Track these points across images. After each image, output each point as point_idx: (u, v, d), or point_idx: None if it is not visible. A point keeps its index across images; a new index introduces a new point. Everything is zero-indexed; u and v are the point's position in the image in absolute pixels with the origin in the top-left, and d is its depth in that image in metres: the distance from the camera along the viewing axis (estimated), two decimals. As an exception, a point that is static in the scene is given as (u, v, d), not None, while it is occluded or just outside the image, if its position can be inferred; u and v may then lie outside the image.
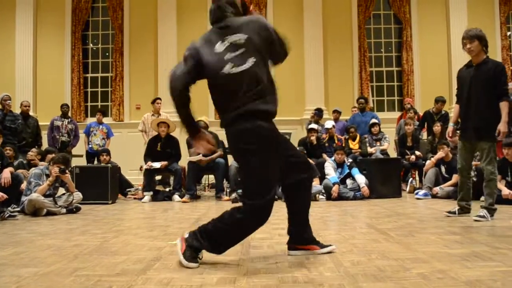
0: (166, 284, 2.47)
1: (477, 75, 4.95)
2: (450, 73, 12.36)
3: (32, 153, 7.90)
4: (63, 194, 6.34)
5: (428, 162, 8.22)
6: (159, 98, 10.27)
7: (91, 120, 10.66)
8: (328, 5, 12.74)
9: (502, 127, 4.72)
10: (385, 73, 13.15)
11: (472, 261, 2.87)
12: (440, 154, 7.90)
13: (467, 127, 5.02)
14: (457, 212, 5.14)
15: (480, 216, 4.79)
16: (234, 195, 7.62)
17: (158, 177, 8.98)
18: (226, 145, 9.11)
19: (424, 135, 10.28)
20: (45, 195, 6.01)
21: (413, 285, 2.36)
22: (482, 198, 6.66)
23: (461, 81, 5.17)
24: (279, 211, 5.96)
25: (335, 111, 10.86)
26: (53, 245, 3.72)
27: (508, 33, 12.97)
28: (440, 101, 9.75)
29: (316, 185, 7.72)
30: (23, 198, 6.08)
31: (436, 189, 7.64)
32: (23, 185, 6.42)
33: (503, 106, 4.77)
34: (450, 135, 5.39)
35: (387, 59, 13.21)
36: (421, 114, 10.44)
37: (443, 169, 7.92)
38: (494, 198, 4.92)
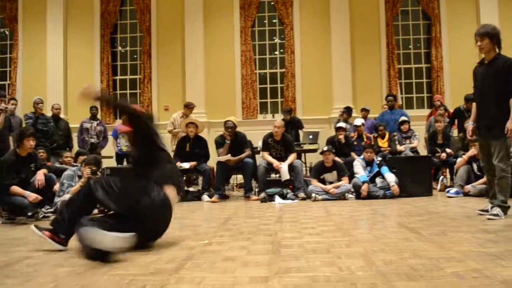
0: (199, 283, 2.49)
1: (487, 72, 4.89)
2: (481, 68, 12.11)
3: (68, 156, 8.11)
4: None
5: (459, 159, 8.07)
6: (193, 106, 10.37)
7: (120, 121, 10.75)
8: (355, 2, 12.66)
9: (510, 124, 4.63)
10: (414, 70, 12.98)
11: (507, 260, 2.82)
12: (472, 151, 7.75)
13: (480, 125, 4.96)
14: (489, 210, 5.04)
15: (494, 215, 4.70)
16: (262, 194, 7.62)
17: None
18: (254, 144, 9.15)
19: (454, 132, 10.11)
20: (77, 196, 6.11)
21: (447, 284, 2.33)
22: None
23: (475, 79, 5.11)
24: (308, 211, 5.97)
25: (363, 109, 10.78)
26: (87, 245, 3.78)
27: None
28: (469, 99, 9.56)
29: (345, 184, 7.68)
30: (56, 199, 6.20)
31: (468, 187, 7.50)
32: (56, 187, 6.54)
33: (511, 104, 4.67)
34: (470, 134, 5.29)
35: (416, 55, 13.04)
36: (451, 111, 10.27)
37: (475, 166, 7.76)
38: (506, 196, 4.82)
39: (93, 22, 13.11)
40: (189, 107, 9.97)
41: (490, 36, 4.83)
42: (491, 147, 4.88)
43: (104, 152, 10.39)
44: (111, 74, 13.05)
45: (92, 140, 10.10)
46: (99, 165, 6.46)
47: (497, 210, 4.74)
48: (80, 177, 6.34)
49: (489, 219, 4.67)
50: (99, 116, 11.47)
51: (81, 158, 7.24)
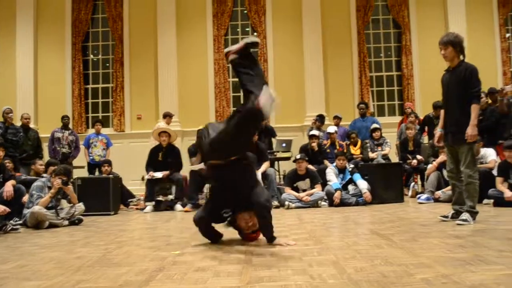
0: (169, 295, 2.46)
1: (451, 79, 5.04)
2: (450, 76, 12.35)
3: (41, 164, 7.97)
4: (71, 206, 6.33)
5: (429, 166, 8.20)
6: (172, 115, 10.50)
7: (93, 131, 10.70)
8: (326, 11, 12.77)
9: (469, 130, 4.76)
10: (385, 77, 13.15)
11: (475, 265, 2.86)
12: (441, 157, 7.88)
13: (447, 131, 5.08)
14: (450, 216, 5.12)
15: (463, 220, 4.78)
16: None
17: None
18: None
19: (425, 139, 10.27)
20: (47, 208, 6.01)
21: (417, 291, 2.36)
22: (485, 201, 6.71)
23: (442, 86, 5.24)
24: (282, 219, 5.97)
25: (335, 117, 10.86)
26: (56, 258, 3.72)
27: (507, 35, 12.98)
28: (437, 106, 9.75)
29: (318, 191, 7.72)
30: (25, 211, 6.08)
31: (439, 193, 7.63)
32: (25, 198, 6.42)
33: (472, 109, 4.80)
34: (436, 140, 5.39)
35: (387, 63, 13.22)
36: (421, 118, 10.43)
37: (445, 173, 7.88)
38: (475, 201, 4.92)
39: (64, 30, 12.93)
40: (170, 116, 10.04)
41: (453, 44, 4.98)
42: (458, 153, 4.98)
43: (76, 162, 10.26)
44: (83, 83, 12.88)
45: (64, 150, 9.95)
46: (69, 175, 6.37)
47: (466, 216, 4.82)
48: (50, 187, 6.23)
49: (458, 224, 4.75)
50: (70, 125, 11.32)
51: (51, 168, 7.11)
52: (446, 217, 5.15)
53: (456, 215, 5.07)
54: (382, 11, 13.21)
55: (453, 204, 5.20)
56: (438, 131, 5.34)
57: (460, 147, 4.92)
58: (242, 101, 4.00)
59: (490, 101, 8.78)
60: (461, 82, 4.90)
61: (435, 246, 3.56)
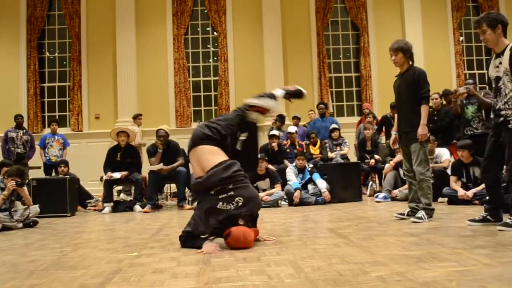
0: (125, 298, 2.43)
1: (402, 83, 5.22)
2: (407, 77, 12.65)
3: None
4: (25, 208, 6.16)
5: (387, 165, 8.37)
6: (141, 114, 10.52)
7: (49, 130, 10.46)
8: (286, 12, 12.87)
9: (420, 129, 4.95)
10: (344, 78, 13.35)
11: (429, 262, 2.93)
12: (398, 157, 8.04)
13: (401, 132, 5.26)
14: (406, 214, 5.26)
15: (418, 218, 4.92)
16: (196, 203, 7.55)
17: (119, 187, 8.84)
18: (188, 153, 9.09)
19: (382, 139, 10.47)
20: (0, 210, 5.83)
21: (372, 289, 2.40)
22: (440, 199, 6.90)
23: (394, 90, 5.40)
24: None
25: (295, 117, 10.94)
26: (8, 262, 3.61)
27: (461, 38, 13.38)
28: (394, 107, 9.96)
29: (278, 191, 7.76)
30: (-22, 213, 5.88)
31: (395, 192, 7.79)
32: (-23, 200, 6.21)
33: (422, 109, 4.99)
34: (392, 143, 5.60)
35: (346, 65, 13.42)
36: (379, 118, 10.63)
37: (401, 172, 8.06)
38: (429, 198, 5.07)
39: (19, 27, 12.57)
40: (136, 118, 10.14)
41: (403, 50, 5.15)
42: (411, 152, 5.12)
43: (31, 163, 10.00)
44: (39, 81, 12.55)
45: (19, 150, 9.69)
46: (23, 176, 6.19)
47: (421, 213, 4.94)
48: (3, 189, 6.06)
49: (413, 222, 4.86)
50: (25, 125, 11.02)
51: (5, 169, 6.90)
52: (402, 214, 5.29)
53: (412, 213, 5.19)
54: (341, 13, 13.41)
55: (409, 202, 5.35)
56: (392, 134, 5.52)
57: (412, 146, 5.08)
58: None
59: (444, 102, 9.03)
60: (411, 85, 5.08)
61: (390, 244, 3.64)
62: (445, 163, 7.60)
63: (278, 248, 3.70)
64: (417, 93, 5.01)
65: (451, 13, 13.32)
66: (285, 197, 7.80)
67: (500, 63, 4.33)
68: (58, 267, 3.29)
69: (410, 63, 5.19)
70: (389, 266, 2.86)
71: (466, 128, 7.33)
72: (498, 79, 4.37)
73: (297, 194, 7.60)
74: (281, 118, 10.63)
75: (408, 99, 5.12)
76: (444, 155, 7.74)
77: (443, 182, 6.96)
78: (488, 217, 4.47)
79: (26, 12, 12.58)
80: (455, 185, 6.84)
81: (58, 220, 6.84)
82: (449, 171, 7.22)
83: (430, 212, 5.01)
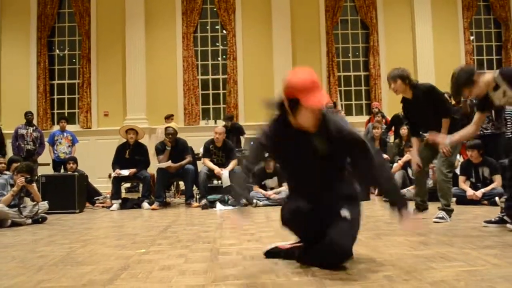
0: (133, 294, 2.44)
1: (417, 103, 5.05)
2: (416, 77, 12.59)
3: (2, 162, 7.76)
4: (34, 204, 6.19)
5: (395, 165, 8.34)
6: (172, 115, 11.18)
7: (58, 127, 10.52)
8: (296, 11, 12.85)
9: (441, 140, 4.71)
10: (353, 77, 13.31)
11: (437, 262, 2.92)
12: (407, 156, 8.02)
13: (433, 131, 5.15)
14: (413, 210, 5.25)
15: (439, 218, 4.90)
16: (204, 201, 7.58)
17: (127, 185, 8.88)
18: (196, 151, 9.08)
19: (391, 138, 10.44)
20: (9, 206, 5.87)
21: (379, 288, 2.39)
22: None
23: (408, 113, 5.31)
24: (249, 217, 5.97)
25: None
26: (18, 257, 3.64)
27: (471, 38, 13.29)
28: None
29: (285, 189, 7.75)
30: (-13, 209, 5.92)
31: (404, 191, 7.75)
32: (-13, 196, 6.26)
33: (443, 123, 4.93)
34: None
35: (355, 64, 13.38)
36: (388, 117, 10.60)
37: (410, 171, 8.04)
38: (449, 199, 5.03)
39: (30, 24, 12.66)
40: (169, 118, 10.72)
41: (402, 77, 5.04)
42: (439, 151, 5.07)
43: (41, 159, 10.06)
44: (48, 79, 12.63)
45: (28, 147, 9.75)
46: (32, 173, 6.23)
47: (442, 214, 4.93)
48: (12, 185, 6.10)
49: (435, 222, 4.85)
50: (35, 121, 11.10)
51: (14, 165, 6.95)
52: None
53: (417, 209, 5.21)
54: (350, 12, 13.37)
55: (414, 195, 5.35)
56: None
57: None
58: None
59: (453, 103, 8.97)
60: (426, 106, 4.96)
61: (398, 244, 3.63)
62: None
63: (286, 246, 3.70)
64: (438, 109, 4.94)
65: (462, 12, 13.23)
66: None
67: (505, 91, 4.18)
68: (67, 263, 3.31)
69: (410, 87, 5.07)
70: (397, 266, 2.86)
71: None
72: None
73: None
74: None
75: (431, 119, 4.99)
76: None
77: (452, 182, 6.92)
78: (505, 217, 4.39)
79: (37, 9, 12.66)
80: (463, 185, 6.81)
81: (67, 217, 6.88)
82: (457, 171, 7.18)
83: (449, 213, 4.99)
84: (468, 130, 4.52)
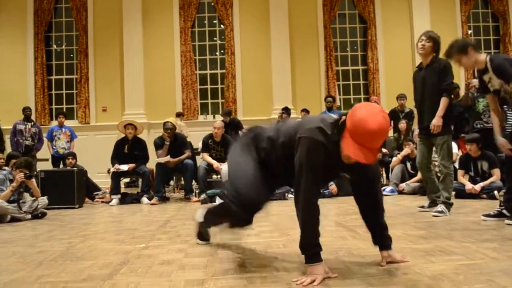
0: (134, 288, 2.44)
1: (426, 75, 5.14)
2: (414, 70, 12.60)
3: (0, 157, 7.75)
4: (34, 200, 6.19)
5: (394, 159, 8.36)
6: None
7: (56, 123, 10.52)
8: (294, 5, 12.83)
9: (434, 120, 4.90)
10: (351, 72, 13.31)
11: (436, 255, 2.93)
12: (405, 150, 8.05)
13: (423, 124, 5.16)
14: (427, 206, 5.26)
15: (439, 212, 4.90)
16: (203, 196, 7.59)
17: (126, 180, 8.87)
18: (195, 145, 9.07)
19: (389, 132, 10.43)
20: (9, 201, 5.87)
21: (379, 282, 2.40)
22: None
23: (415, 83, 5.37)
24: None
25: (303, 110, 10.93)
26: (17, 252, 3.64)
27: (469, 32, 13.29)
28: (399, 97, 10.02)
29: (284, 184, 7.75)
30: (-14, 205, 5.92)
31: (403, 185, 7.78)
32: (-14, 191, 6.26)
33: (441, 101, 4.94)
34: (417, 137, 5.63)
35: (353, 58, 13.37)
36: (387, 112, 10.60)
37: (408, 165, 8.06)
38: (450, 192, 5.06)
39: (26, 19, 12.62)
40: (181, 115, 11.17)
41: (435, 41, 5.09)
42: (434, 146, 5.10)
43: (39, 155, 10.05)
44: (46, 74, 12.60)
45: (27, 142, 9.74)
46: (31, 168, 6.23)
47: (442, 207, 4.93)
48: (11, 181, 6.10)
49: (434, 216, 4.85)
50: (33, 117, 11.08)
51: (13, 161, 6.94)
52: (423, 207, 5.29)
53: (432, 204, 5.21)
54: (348, 6, 13.36)
55: (428, 194, 5.34)
56: (416, 129, 5.49)
57: (437, 139, 5.04)
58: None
59: (452, 96, 8.98)
60: (437, 78, 5.01)
61: (398, 238, 3.63)
62: (453, 156, 7.56)
63: (285, 240, 3.71)
64: (440, 84, 4.98)
65: (460, 6, 13.23)
66: (292, 189, 7.79)
67: (490, 78, 4.28)
68: (67, 258, 3.31)
69: (434, 55, 5.12)
70: (396, 259, 2.86)
71: (476, 121, 7.29)
72: (496, 91, 4.34)
73: (303, 187, 7.58)
74: (287, 111, 10.63)
75: (434, 91, 5.04)
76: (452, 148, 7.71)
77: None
78: (503, 211, 4.40)
79: (33, 5, 12.61)
80: (462, 179, 6.82)
81: (66, 212, 6.88)
82: (456, 165, 7.19)
83: (449, 207, 5.00)
84: (495, 118, 4.55)
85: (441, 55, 4.99)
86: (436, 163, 5.34)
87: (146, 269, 2.86)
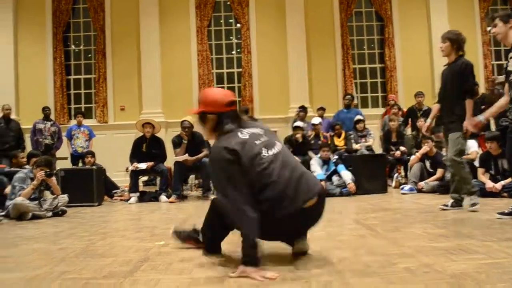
0: (154, 285, 2.46)
1: (448, 73, 5.21)
2: (432, 69, 12.50)
3: (23, 156, 7.87)
4: (54, 197, 6.26)
5: (412, 157, 8.28)
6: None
7: (75, 122, 10.64)
8: (310, 3, 12.79)
9: (466, 123, 4.89)
10: (368, 70, 13.22)
11: (457, 254, 2.91)
12: (424, 148, 7.97)
13: (444, 122, 5.21)
14: (450, 205, 5.21)
15: (472, 205, 4.95)
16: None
17: (144, 178, 8.92)
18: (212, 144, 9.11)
19: (408, 131, 10.37)
20: (30, 199, 5.95)
21: (400, 280, 2.38)
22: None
23: (441, 79, 5.39)
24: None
25: (320, 109, 10.89)
26: (39, 249, 3.69)
27: (488, 28, 13.09)
28: (417, 95, 9.96)
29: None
30: (8, 203, 6.01)
31: (421, 184, 7.70)
32: (7, 189, 6.35)
33: (466, 103, 4.95)
34: (424, 129, 5.66)
35: (370, 56, 13.28)
36: (404, 109, 10.53)
37: (427, 163, 7.98)
38: (470, 182, 5.10)
39: (45, 20, 12.74)
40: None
41: (451, 40, 5.14)
42: (449, 141, 5.12)
43: (58, 153, 10.16)
44: (65, 74, 12.73)
45: (47, 141, 9.86)
46: (51, 166, 6.30)
47: (472, 199, 4.99)
48: (32, 179, 6.17)
49: (470, 211, 4.90)
50: (52, 116, 11.21)
51: (33, 160, 7.04)
52: (447, 206, 5.25)
53: (455, 203, 5.18)
54: (365, 4, 13.27)
55: (451, 192, 5.30)
56: (428, 121, 5.59)
57: (451, 135, 5.08)
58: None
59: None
60: (457, 76, 5.06)
61: (417, 236, 3.61)
62: (472, 155, 7.49)
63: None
64: (462, 85, 5.00)
65: (478, 2, 13.06)
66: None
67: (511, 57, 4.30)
68: (87, 255, 3.35)
69: (460, 53, 5.16)
70: (417, 258, 2.84)
71: (501, 118, 7.20)
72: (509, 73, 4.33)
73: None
74: (303, 109, 10.61)
75: (452, 89, 5.11)
76: (472, 147, 7.63)
77: (471, 174, 6.85)
78: None
79: (52, 5, 12.73)
80: (483, 177, 6.74)
81: (86, 210, 6.95)
82: (476, 163, 7.11)
83: (475, 194, 5.06)
84: (501, 101, 4.60)
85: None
86: (447, 157, 5.34)
87: (167, 266, 2.88)
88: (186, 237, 3.53)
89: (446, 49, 5.16)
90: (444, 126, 5.27)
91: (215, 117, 2.98)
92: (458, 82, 5.04)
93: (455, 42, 5.13)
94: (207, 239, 3.27)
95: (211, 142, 9.11)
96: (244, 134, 2.90)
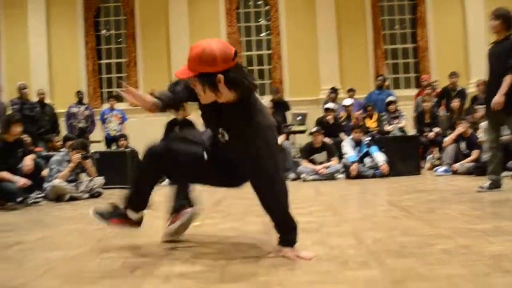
0: (192, 264, 2.50)
1: (497, 51, 5.03)
2: (466, 48, 12.20)
3: (58, 140, 8.05)
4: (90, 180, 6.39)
5: (447, 138, 8.15)
6: None
7: (108, 106, 10.80)
8: (340, -16, 12.60)
9: (496, 97, 4.80)
10: (400, 50, 12.99)
11: (495, 236, 2.85)
12: (459, 129, 7.83)
13: (490, 102, 5.03)
14: (487, 187, 5.12)
15: None
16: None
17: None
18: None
19: (441, 111, 10.19)
20: (67, 181, 6.09)
21: (437, 261, 2.36)
22: (504, 173, 6.65)
23: (488, 59, 5.22)
24: (298, 191, 5.97)
25: (350, 90, 10.79)
26: (78, 229, 3.78)
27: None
28: (452, 75, 9.73)
29: (335, 164, 7.72)
30: (46, 185, 6.17)
31: (456, 166, 7.58)
32: (45, 172, 6.51)
33: (507, 78, 4.82)
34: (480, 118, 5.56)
35: (402, 36, 13.04)
36: (438, 90, 10.34)
37: (462, 145, 7.85)
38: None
39: (76, 5, 12.90)
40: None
41: (504, 18, 4.97)
42: (507, 124, 5.02)
43: (92, 137, 10.35)
44: (96, 58, 12.90)
45: (80, 125, 10.07)
46: (86, 149, 6.46)
47: None
48: (68, 161, 6.32)
49: None
50: (85, 100, 11.39)
51: (69, 143, 7.19)
52: (483, 187, 5.15)
53: (493, 185, 5.08)
54: (396, -17, 13.00)
55: (489, 173, 5.19)
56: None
57: (507, 118, 4.97)
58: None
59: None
60: (504, 55, 4.91)
61: (453, 218, 3.56)
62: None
63: (338, 220, 3.70)
64: (507, 61, 4.86)
65: (516, -21, 12.65)
66: (342, 169, 7.75)
67: None
68: (125, 236, 3.41)
69: (509, 32, 5.00)
70: (454, 239, 2.80)
71: None
72: None
73: (354, 167, 7.54)
74: (334, 91, 10.53)
75: (499, 68, 4.94)
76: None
77: (509, 155, 6.67)
78: None
79: (82, -10, 12.87)
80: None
81: (121, 192, 7.05)
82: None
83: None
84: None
85: None
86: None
87: (203, 246, 2.92)
88: (111, 215, 3.14)
89: (497, 26, 4.99)
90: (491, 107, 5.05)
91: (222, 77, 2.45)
92: (505, 61, 4.87)
93: (507, 20, 4.98)
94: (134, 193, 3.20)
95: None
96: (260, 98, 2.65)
